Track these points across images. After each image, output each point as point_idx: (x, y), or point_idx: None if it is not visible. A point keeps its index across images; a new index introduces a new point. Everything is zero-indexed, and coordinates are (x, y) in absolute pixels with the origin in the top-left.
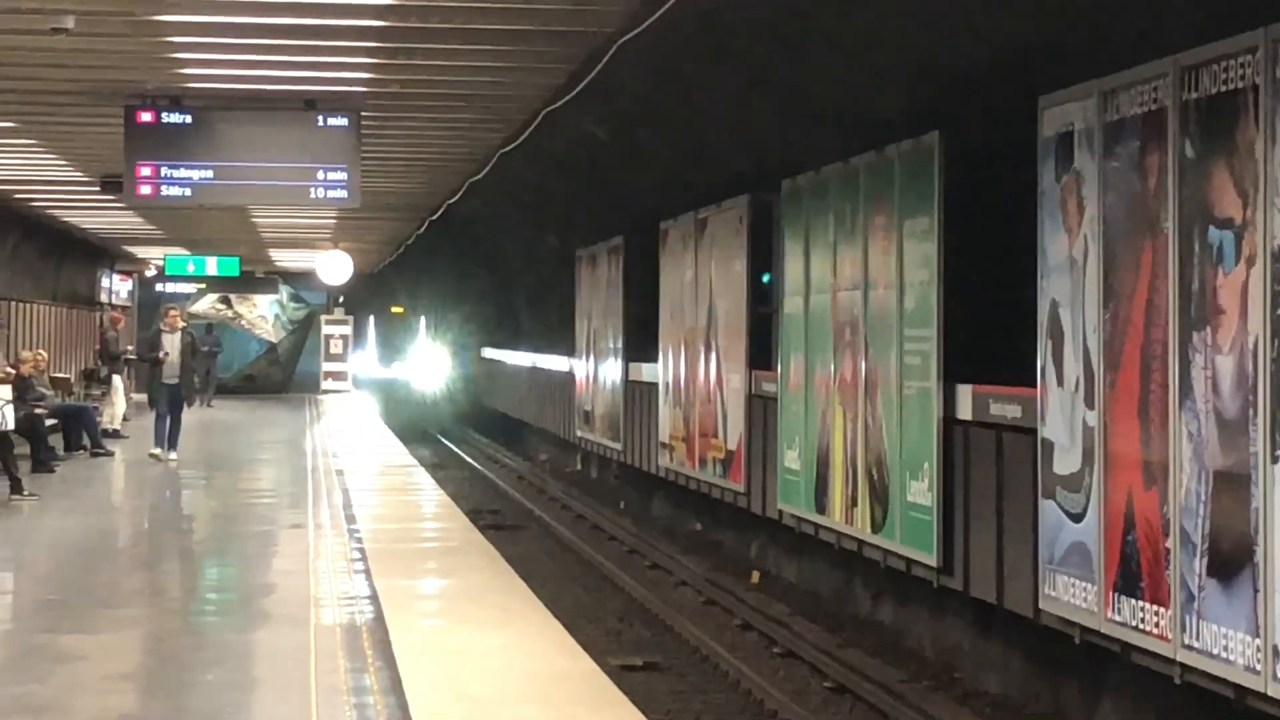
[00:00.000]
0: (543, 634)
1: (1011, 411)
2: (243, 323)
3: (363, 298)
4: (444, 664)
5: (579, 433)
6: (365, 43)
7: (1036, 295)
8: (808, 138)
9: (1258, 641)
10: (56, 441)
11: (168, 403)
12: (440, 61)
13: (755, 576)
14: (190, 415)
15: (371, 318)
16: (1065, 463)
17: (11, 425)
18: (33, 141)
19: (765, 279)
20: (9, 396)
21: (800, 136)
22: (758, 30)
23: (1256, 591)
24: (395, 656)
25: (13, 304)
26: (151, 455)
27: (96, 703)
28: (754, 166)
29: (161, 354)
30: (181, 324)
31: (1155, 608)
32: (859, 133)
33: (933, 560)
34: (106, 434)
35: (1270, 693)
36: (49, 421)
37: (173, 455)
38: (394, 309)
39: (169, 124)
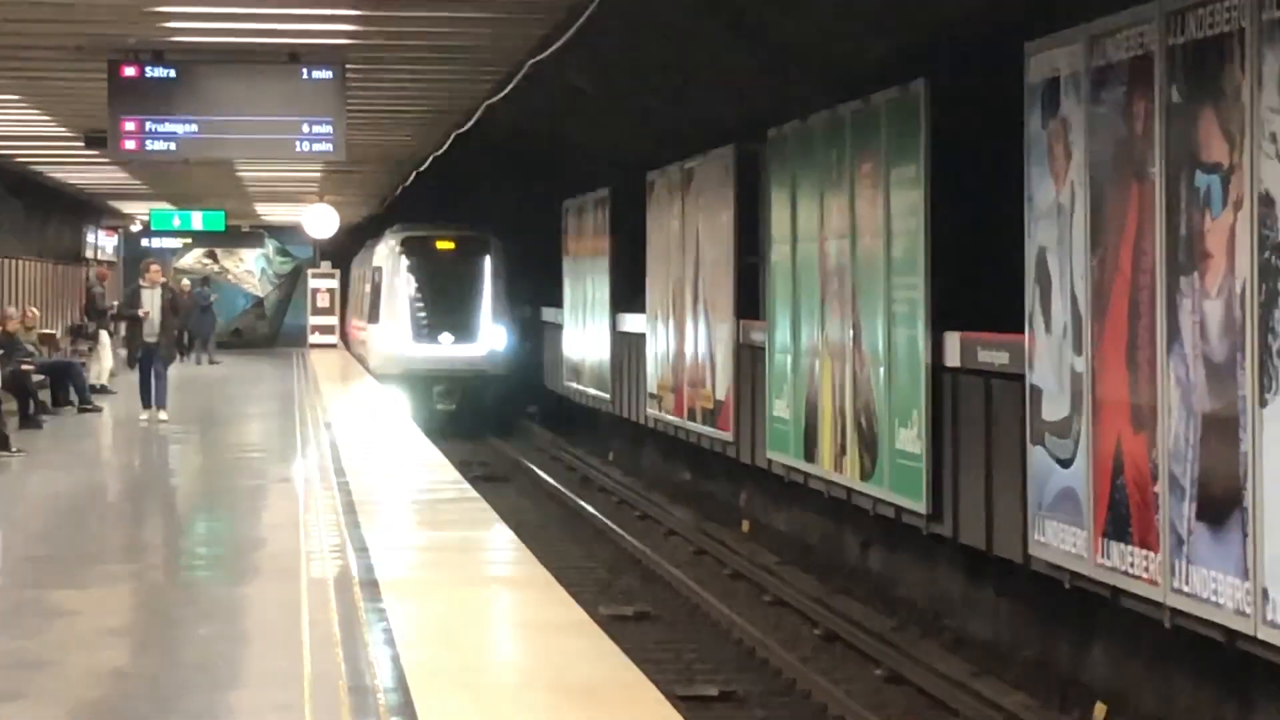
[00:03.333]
0: (532, 583)
1: (1000, 358)
2: (229, 277)
3: (350, 251)
4: (435, 614)
5: (568, 383)
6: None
7: (1024, 242)
8: (794, 86)
9: (1247, 585)
10: (45, 398)
11: (148, 361)
12: (425, 13)
13: (746, 526)
14: (177, 370)
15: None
16: (1054, 409)
17: None
18: (16, 97)
19: None
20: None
21: (786, 85)
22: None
23: (1245, 535)
24: (385, 608)
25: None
26: (144, 419)
27: (89, 657)
28: (740, 116)
29: (141, 312)
30: (162, 279)
31: (1145, 552)
32: (845, 81)
33: (922, 508)
34: (94, 389)
35: (1260, 635)
36: (36, 378)
37: (162, 414)
38: None
39: (153, 78)
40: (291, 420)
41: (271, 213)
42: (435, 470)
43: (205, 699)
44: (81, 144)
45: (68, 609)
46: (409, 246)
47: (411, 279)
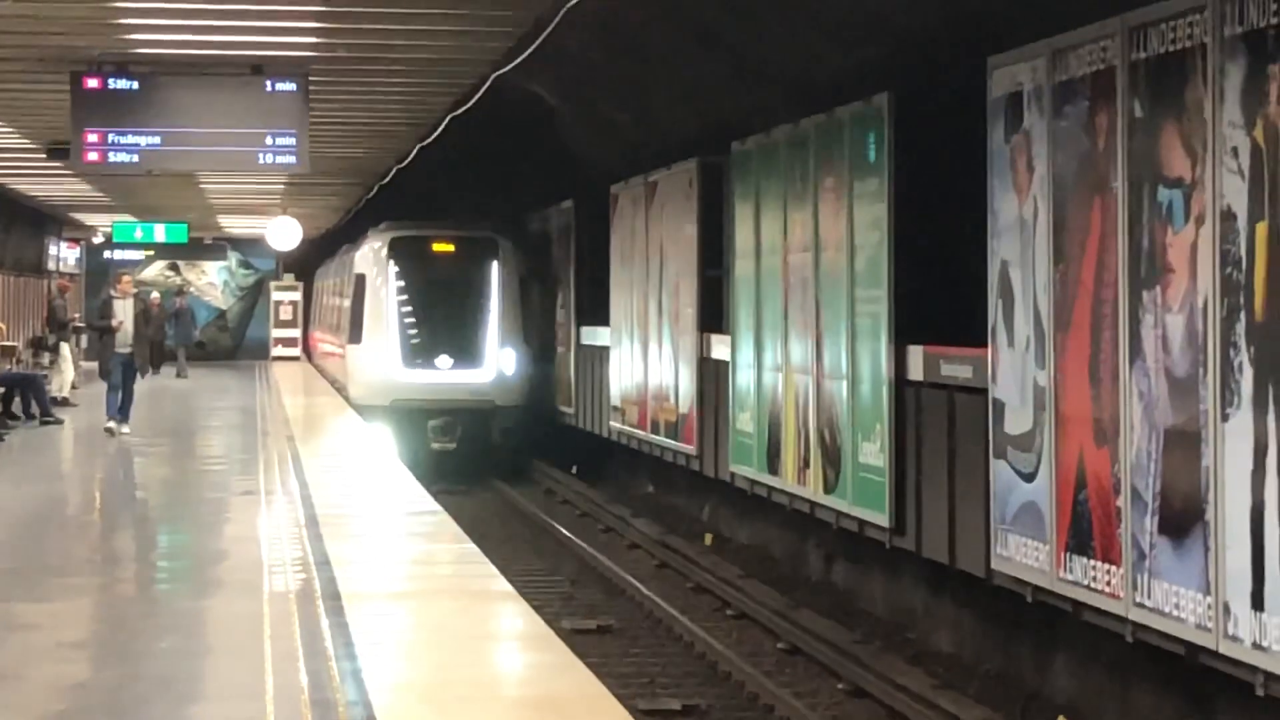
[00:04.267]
0: (495, 597)
1: (963, 372)
2: (191, 289)
3: (313, 263)
4: (397, 627)
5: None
6: (312, 6)
7: (987, 256)
8: (757, 100)
9: (1209, 599)
10: (11, 409)
11: (120, 373)
12: (388, 26)
13: (709, 539)
14: (145, 383)
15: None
16: (1016, 423)
17: None
18: None
19: None
20: None
21: (750, 99)
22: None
23: (1208, 549)
24: (348, 621)
25: None
26: (106, 430)
27: (50, 670)
28: (704, 129)
29: (115, 322)
30: (133, 290)
31: (1107, 566)
32: (809, 95)
33: (885, 521)
34: (56, 402)
35: (1222, 650)
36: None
37: (125, 428)
38: None
39: (116, 90)
40: (254, 434)
41: (234, 225)
42: (398, 483)
43: (167, 711)
44: (44, 156)
45: (29, 622)
46: (399, 250)
47: (402, 289)
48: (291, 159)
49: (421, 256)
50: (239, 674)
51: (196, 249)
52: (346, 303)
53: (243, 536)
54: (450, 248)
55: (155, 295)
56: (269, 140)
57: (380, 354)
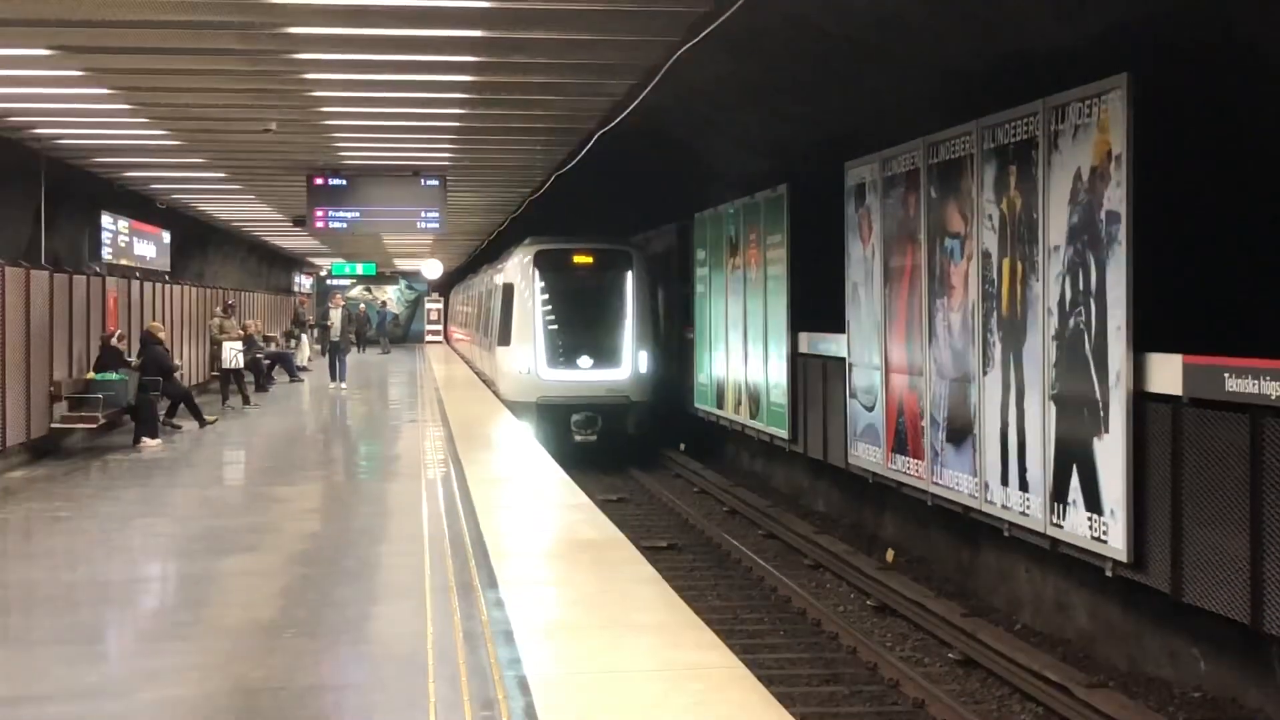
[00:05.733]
0: (548, 468)
1: (831, 348)
2: (378, 302)
3: (448, 285)
4: (503, 494)
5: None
6: (449, 134)
7: (845, 279)
8: (711, 187)
9: (976, 480)
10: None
11: (333, 352)
12: (499, 145)
13: (683, 446)
14: (353, 357)
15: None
16: (862, 377)
17: (242, 364)
18: (253, 196)
19: None
20: (241, 347)
21: (707, 187)
22: (682, 125)
23: (974, 451)
24: (471, 494)
25: (243, 293)
26: (332, 387)
27: (297, 525)
28: (683, 204)
29: (330, 323)
30: (342, 303)
31: (916, 461)
32: (741, 185)
33: (786, 435)
34: (299, 369)
35: (984, 510)
36: (265, 362)
37: (343, 385)
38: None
39: (332, 185)
40: (415, 387)
41: (402, 263)
42: (508, 419)
43: (367, 548)
44: (290, 223)
45: (283, 497)
46: (543, 261)
47: (546, 297)
48: (436, 226)
49: (563, 267)
50: (407, 527)
51: (380, 278)
52: (496, 306)
53: (409, 447)
54: (589, 259)
55: (362, 306)
56: (422, 214)
57: (527, 355)
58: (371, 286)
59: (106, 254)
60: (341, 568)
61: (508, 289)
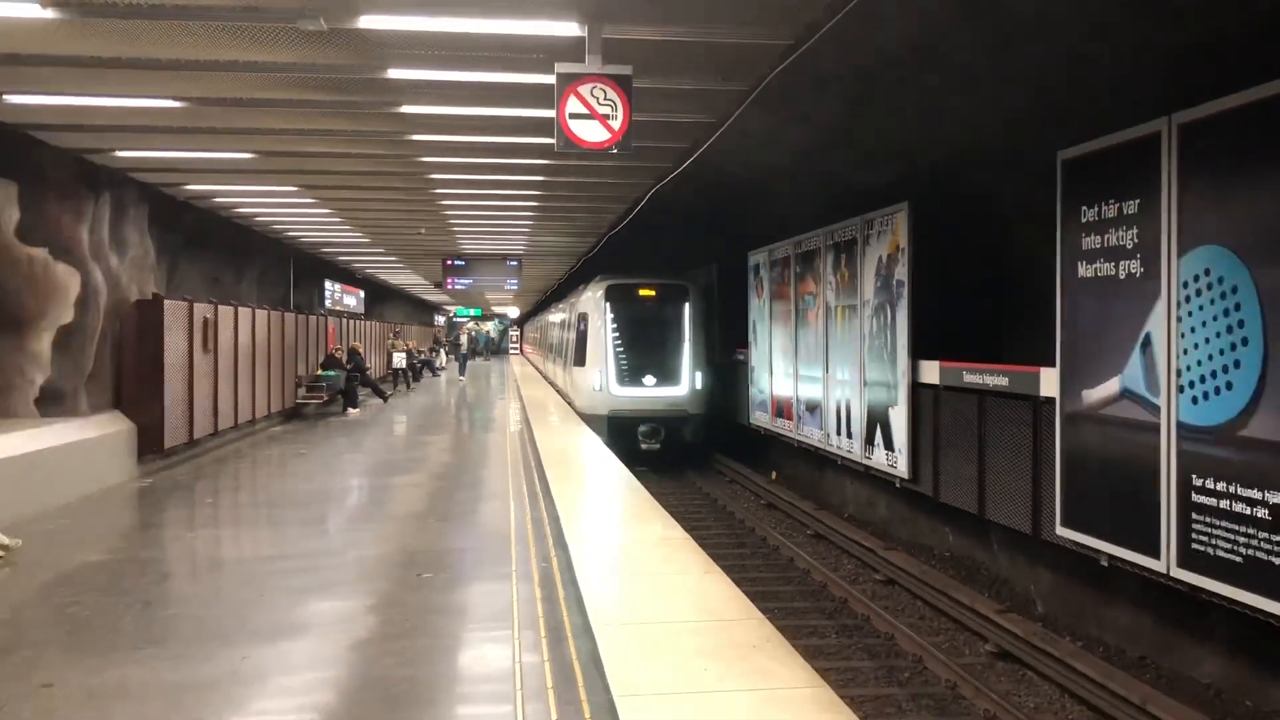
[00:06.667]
0: (593, 437)
1: (741, 358)
2: (483, 331)
3: (524, 320)
4: (556, 442)
5: None
6: (523, 226)
7: (748, 322)
8: (689, 262)
9: (822, 432)
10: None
11: (460, 359)
12: (559, 235)
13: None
14: (470, 364)
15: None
16: (759, 375)
17: (405, 365)
18: (412, 271)
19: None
20: (404, 357)
21: (676, 264)
22: (680, 213)
23: (823, 416)
24: (538, 446)
25: (405, 325)
26: (458, 380)
27: (437, 458)
28: (681, 266)
29: (460, 343)
30: (469, 331)
31: (789, 421)
32: (695, 261)
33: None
34: (438, 369)
35: (829, 448)
36: (418, 365)
37: (464, 378)
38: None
39: (456, 264)
40: (504, 379)
41: (497, 308)
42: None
43: (480, 472)
44: (432, 285)
45: (427, 441)
46: (614, 294)
47: (615, 326)
48: (515, 287)
49: (630, 299)
50: (498, 458)
51: (484, 317)
52: (572, 334)
53: (501, 414)
54: (652, 292)
55: (473, 333)
56: (507, 281)
57: (600, 375)
58: (479, 322)
59: (328, 303)
60: (460, 481)
61: (583, 318)
